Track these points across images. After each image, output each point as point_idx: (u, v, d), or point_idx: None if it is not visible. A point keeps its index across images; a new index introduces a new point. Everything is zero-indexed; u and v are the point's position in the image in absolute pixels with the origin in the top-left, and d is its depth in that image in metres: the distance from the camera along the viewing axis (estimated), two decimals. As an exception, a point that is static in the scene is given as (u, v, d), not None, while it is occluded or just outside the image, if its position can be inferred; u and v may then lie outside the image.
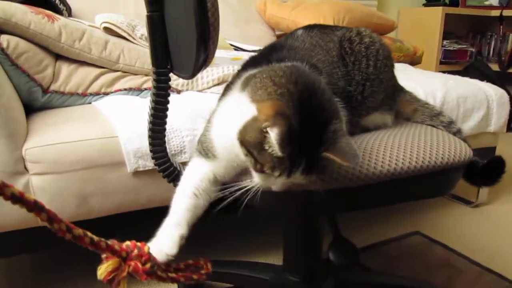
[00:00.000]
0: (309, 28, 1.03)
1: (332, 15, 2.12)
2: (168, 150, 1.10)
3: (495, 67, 3.23)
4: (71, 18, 1.55)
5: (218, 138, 0.81)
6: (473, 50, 3.50)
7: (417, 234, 1.65)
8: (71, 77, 1.33)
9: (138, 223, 1.23)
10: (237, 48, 1.84)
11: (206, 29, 0.70)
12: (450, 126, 1.04)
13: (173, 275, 0.73)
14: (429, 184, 0.86)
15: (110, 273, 0.65)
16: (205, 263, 0.78)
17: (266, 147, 0.67)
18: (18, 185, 1.04)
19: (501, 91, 1.76)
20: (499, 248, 1.55)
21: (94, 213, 1.14)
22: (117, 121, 1.15)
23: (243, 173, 0.82)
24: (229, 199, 0.79)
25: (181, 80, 1.43)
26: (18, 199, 0.48)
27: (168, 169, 0.95)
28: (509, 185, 2.05)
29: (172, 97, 1.36)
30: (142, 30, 1.52)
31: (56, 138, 1.08)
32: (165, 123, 0.91)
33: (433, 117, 1.06)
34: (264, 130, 0.65)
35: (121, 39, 1.46)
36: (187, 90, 1.45)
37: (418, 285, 1.26)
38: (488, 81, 1.83)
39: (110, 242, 0.64)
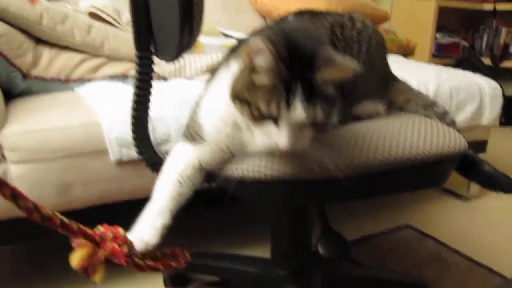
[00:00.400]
0: (300, 13, 0.99)
1: (324, 4, 2.08)
2: (153, 139, 1.07)
3: (487, 61, 3.21)
4: (54, 2, 1.49)
5: (207, 118, 0.78)
6: (466, 44, 3.48)
7: (408, 227, 1.63)
8: (52, 62, 1.28)
9: (123, 214, 1.19)
10: (227, 36, 1.80)
11: (190, 8, 0.67)
12: (444, 117, 1.02)
13: (151, 263, 0.69)
14: (422, 175, 0.83)
15: (85, 260, 0.60)
16: (182, 252, 0.74)
17: (257, 81, 0.63)
18: (-5, 173, 1.00)
19: (494, 84, 1.74)
20: (490, 242, 1.54)
21: (75, 203, 1.10)
22: (100, 108, 1.11)
23: (229, 161, 0.79)
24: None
25: (168, 68, 1.39)
26: None
27: (151, 158, 0.91)
28: (500, 179, 2.03)
29: (159, 85, 1.34)
30: (128, 15, 1.47)
31: (36, 125, 1.04)
32: (148, 109, 0.87)
33: (427, 107, 1.03)
34: (251, 65, 0.62)
35: (107, 24, 1.41)
36: (174, 77, 1.40)
37: (409, 279, 1.24)
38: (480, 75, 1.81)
39: (82, 226, 0.60)
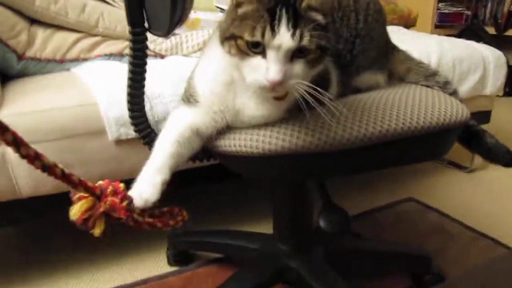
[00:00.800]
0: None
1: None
2: (151, 117, 1.06)
3: (491, 30, 3.15)
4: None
5: (200, 80, 0.78)
6: (469, 12, 3.41)
7: (411, 200, 1.62)
8: (47, 43, 1.26)
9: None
10: (223, 10, 1.76)
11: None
12: (445, 87, 0.99)
13: (149, 220, 0.68)
14: (424, 146, 0.82)
15: (85, 212, 0.59)
16: (180, 211, 0.73)
17: (240, 13, 0.64)
18: (-7, 156, 1.00)
19: (498, 53, 1.71)
20: (494, 213, 1.53)
21: (76, 184, 1.09)
22: (97, 88, 1.10)
23: (222, 131, 0.79)
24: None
25: (164, 45, 1.37)
26: None
27: (149, 135, 0.90)
28: (504, 150, 2.02)
29: (156, 62, 1.32)
30: (122, -8, 1.45)
31: (32, 106, 1.03)
32: (143, 86, 0.86)
33: (428, 77, 1.01)
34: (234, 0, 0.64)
35: (101, 2, 1.39)
36: (171, 55, 1.38)
37: (411, 251, 1.24)
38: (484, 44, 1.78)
39: (82, 179, 0.59)
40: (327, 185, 1.12)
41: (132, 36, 0.80)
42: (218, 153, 0.82)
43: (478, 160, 1.85)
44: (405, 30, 2.10)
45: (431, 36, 1.90)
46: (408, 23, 2.26)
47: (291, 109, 0.74)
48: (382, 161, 0.82)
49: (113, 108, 1.06)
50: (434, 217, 1.51)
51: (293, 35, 0.60)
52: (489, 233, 1.39)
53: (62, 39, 1.28)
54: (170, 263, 1.28)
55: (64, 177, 0.55)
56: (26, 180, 1.04)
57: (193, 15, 1.50)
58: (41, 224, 1.49)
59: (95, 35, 1.33)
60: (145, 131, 0.89)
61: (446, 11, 3.27)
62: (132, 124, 0.89)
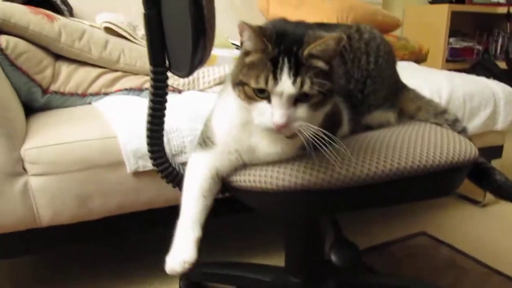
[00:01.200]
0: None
1: (335, 13, 2.10)
2: (168, 151, 1.09)
3: (502, 65, 3.18)
4: (71, 18, 1.54)
5: (217, 123, 0.82)
6: (480, 48, 3.46)
7: (423, 234, 1.62)
8: (70, 78, 1.32)
9: (143, 223, 1.22)
10: (238, 48, 1.83)
11: (202, 26, 0.69)
12: (455, 125, 1.02)
13: None
14: (432, 184, 0.84)
15: None
16: None
17: (247, 61, 0.69)
18: (17, 186, 1.04)
19: (508, 89, 1.73)
20: (507, 249, 1.52)
21: (94, 214, 1.12)
22: (117, 121, 1.14)
23: (238, 168, 0.82)
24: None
25: (182, 80, 1.42)
26: None
27: (167, 169, 0.93)
28: (517, 184, 2.01)
29: (173, 97, 1.37)
30: (143, 30, 1.51)
31: (55, 139, 1.07)
32: (163, 122, 0.89)
33: (437, 115, 1.03)
34: (242, 49, 0.69)
35: (122, 39, 1.45)
36: (188, 90, 1.43)
37: (423, 286, 1.23)
38: (495, 79, 1.80)
39: None
40: (340, 218, 1.14)
41: (154, 75, 0.83)
42: (232, 188, 0.85)
43: (490, 195, 1.84)
44: (416, 65, 2.13)
45: (441, 72, 1.93)
46: (419, 58, 2.30)
47: (305, 146, 0.77)
48: (392, 198, 0.84)
49: (132, 141, 1.10)
50: (446, 251, 1.50)
51: (294, 82, 0.65)
52: (502, 269, 1.38)
53: (85, 74, 1.34)
54: (182, 294, 1.29)
55: None
56: (46, 209, 1.07)
57: (209, 51, 1.55)
58: (60, 254, 1.51)
59: (116, 70, 1.39)
60: (163, 165, 0.92)
61: (457, 46, 3.31)
62: (151, 158, 0.92)
